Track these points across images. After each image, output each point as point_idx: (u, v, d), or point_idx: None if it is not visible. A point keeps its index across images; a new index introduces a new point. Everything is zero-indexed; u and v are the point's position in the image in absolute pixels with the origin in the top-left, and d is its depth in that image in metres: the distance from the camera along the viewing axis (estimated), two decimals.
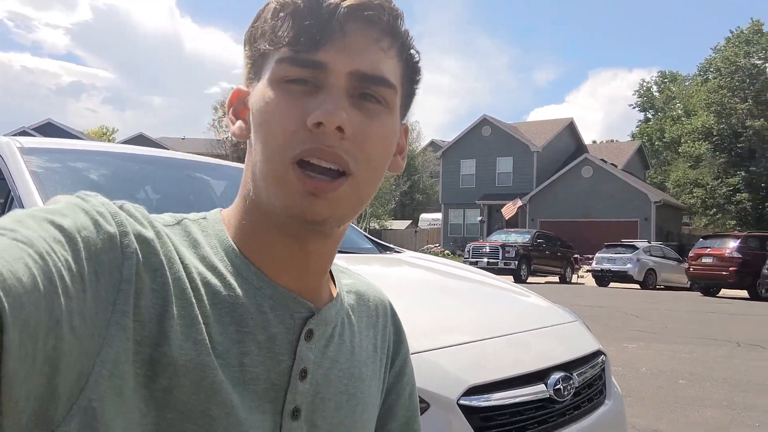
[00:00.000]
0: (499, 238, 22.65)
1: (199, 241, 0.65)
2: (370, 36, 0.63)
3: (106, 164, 2.59)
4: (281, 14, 0.62)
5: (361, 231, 3.36)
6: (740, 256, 16.48)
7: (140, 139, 43.96)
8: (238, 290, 0.63)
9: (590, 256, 23.50)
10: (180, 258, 0.60)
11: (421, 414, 1.60)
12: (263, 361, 0.62)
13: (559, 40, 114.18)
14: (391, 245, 3.30)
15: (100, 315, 0.51)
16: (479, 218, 36.04)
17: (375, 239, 3.26)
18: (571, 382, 1.91)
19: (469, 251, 21.84)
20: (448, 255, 27.87)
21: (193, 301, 0.59)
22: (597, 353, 2.23)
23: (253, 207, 0.66)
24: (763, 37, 35.17)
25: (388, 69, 0.64)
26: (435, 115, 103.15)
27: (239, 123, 0.69)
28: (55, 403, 0.47)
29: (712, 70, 38.39)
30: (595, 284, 21.19)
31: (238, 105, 0.69)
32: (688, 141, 37.79)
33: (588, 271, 23.26)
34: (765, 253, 15.91)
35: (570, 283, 22.23)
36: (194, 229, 0.66)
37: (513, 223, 32.10)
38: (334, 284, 0.75)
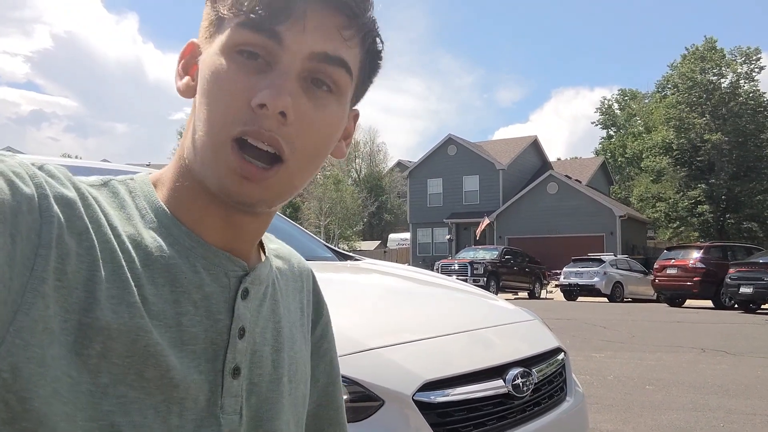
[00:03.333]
0: (467, 255, 22.74)
1: (127, 202, 0.63)
2: (333, 22, 0.61)
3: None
4: None
5: (321, 240, 3.32)
6: (703, 266, 16.79)
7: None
8: (170, 250, 0.62)
9: (558, 271, 23.71)
10: (107, 220, 0.58)
11: (376, 410, 1.58)
12: (200, 320, 0.61)
13: (522, 61, 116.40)
14: (351, 254, 3.26)
15: (15, 281, 0.49)
16: (447, 237, 36.20)
17: (335, 248, 3.23)
18: (530, 378, 1.89)
19: (438, 269, 21.86)
20: None
21: (123, 263, 0.57)
22: (557, 350, 2.21)
23: (188, 171, 0.64)
24: (716, 53, 36.29)
25: (348, 56, 0.62)
26: (401, 135, 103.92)
27: (187, 79, 0.67)
28: None
29: (669, 86, 39.42)
30: (564, 299, 21.38)
31: (189, 60, 0.67)
32: (650, 156, 38.60)
33: (556, 285, 23.45)
34: (727, 262, 16.24)
35: (539, 298, 22.38)
36: (122, 190, 0.64)
37: (481, 241, 32.31)
38: (262, 248, 0.74)
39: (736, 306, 15.60)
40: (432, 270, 25.09)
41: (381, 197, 49.12)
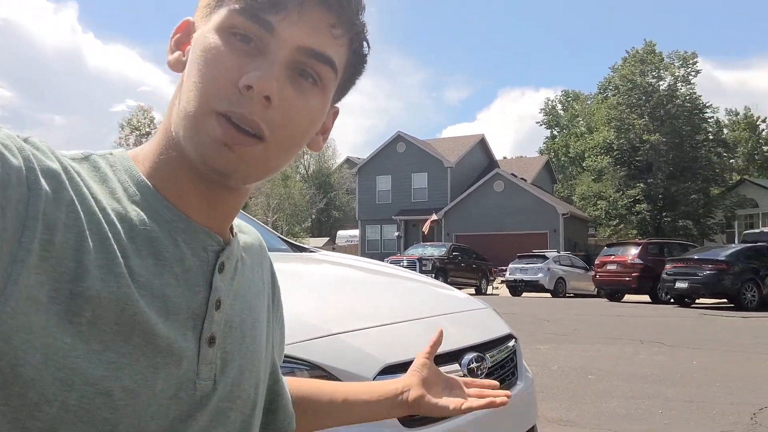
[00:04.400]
0: (416, 252, 22.96)
1: (109, 175, 0.65)
2: (326, 20, 0.64)
3: None
4: None
5: (276, 233, 3.32)
6: (641, 262, 17.39)
7: None
8: (153, 224, 0.64)
9: (504, 267, 24.16)
10: (91, 193, 0.60)
11: None
12: (183, 292, 0.64)
13: (470, 61, 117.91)
14: (305, 245, 3.28)
15: (4, 252, 0.51)
16: (396, 233, 36.38)
17: (289, 240, 3.24)
18: (484, 362, 1.96)
19: None
20: None
21: (109, 235, 0.59)
22: (509, 337, 2.29)
23: (172, 143, 0.66)
24: (656, 57, 37.54)
25: (335, 53, 0.65)
26: (350, 133, 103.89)
27: (177, 54, 0.69)
28: None
29: (611, 88, 40.55)
30: (510, 294, 21.80)
31: (182, 36, 0.69)
32: (591, 156, 39.65)
33: (502, 282, 23.89)
34: (664, 258, 16.84)
35: (485, 294, 22.75)
36: (102, 164, 0.65)
37: (429, 238, 32.63)
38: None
39: (672, 300, 16.17)
40: None
41: (330, 194, 49.00)
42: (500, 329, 2.29)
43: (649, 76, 37.22)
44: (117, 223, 0.61)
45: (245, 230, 0.82)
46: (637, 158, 36.47)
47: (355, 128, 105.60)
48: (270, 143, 0.63)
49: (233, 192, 0.69)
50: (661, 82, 37.55)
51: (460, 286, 22.35)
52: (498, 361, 2.11)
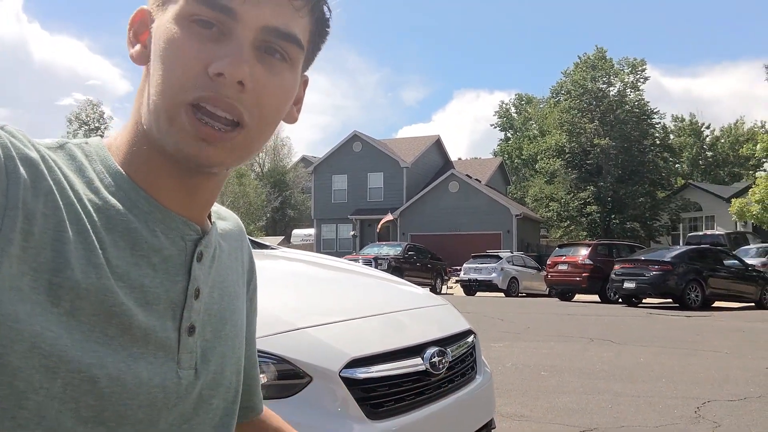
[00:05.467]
0: (371, 251, 22.99)
1: (85, 165, 0.64)
2: None
3: None
4: None
5: None
6: (591, 263, 17.79)
7: None
8: (130, 215, 0.64)
9: (458, 267, 24.40)
10: (68, 183, 0.60)
11: (304, 387, 1.64)
12: (161, 282, 0.64)
13: (426, 61, 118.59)
14: (266, 243, 3.29)
15: None
16: (352, 233, 36.37)
17: (251, 238, 3.23)
18: (446, 357, 2.01)
19: None
20: None
21: (88, 226, 0.59)
22: (468, 332, 2.35)
23: (144, 136, 0.65)
24: (606, 63, 38.47)
25: (299, 27, 0.65)
26: (305, 131, 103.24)
27: (139, 47, 0.68)
28: None
29: (563, 92, 41.34)
30: (464, 294, 22.02)
31: (140, 27, 0.68)
32: (544, 158, 40.34)
33: (457, 281, 24.12)
34: (612, 259, 17.27)
35: (440, 293, 22.94)
36: (78, 154, 0.65)
37: (385, 237, 32.71)
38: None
39: (620, 300, 16.55)
40: None
41: (285, 192, 48.60)
42: (460, 325, 2.35)
43: (599, 81, 38.11)
44: (94, 213, 0.60)
45: (224, 215, 0.81)
46: (588, 161, 37.28)
47: (311, 126, 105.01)
48: (249, 127, 0.63)
49: (212, 178, 0.69)
50: (611, 88, 38.50)
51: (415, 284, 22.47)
52: (458, 356, 2.17)
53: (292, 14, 0.64)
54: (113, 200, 0.63)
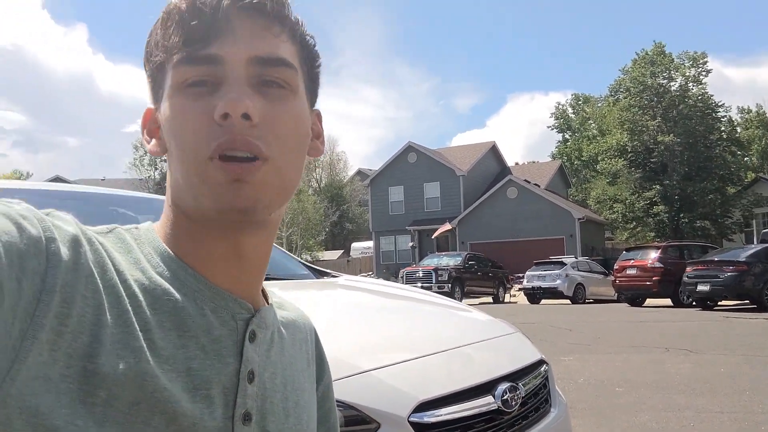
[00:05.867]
0: (431, 262, 22.85)
1: (133, 247, 0.63)
2: (258, 24, 0.63)
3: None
4: (168, 23, 0.62)
5: (297, 258, 3.30)
6: (662, 265, 17.19)
7: (57, 183, 42.25)
8: (177, 294, 0.61)
9: (521, 274, 24.01)
10: (114, 264, 0.58)
11: None
12: (211, 364, 0.60)
13: (477, 67, 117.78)
14: (327, 270, 3.25)
15: (15, 327, 0.48)
16: (410, 244, 36.32)
17: (311, 265, 3.21)
18: (518, 392, 1.91)
19: (402, 277, 21.92)
20: None
21: (129, 308, 0.56)
22: (540, 362, 2.24)
23: (180, 214, 0.65)
24: (665, 57, 37.33)
25: (285, 52, 0.65)
26: (360, 144, 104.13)
27: (154, 141, 0.68)
28: None
29: (621, 90, 40.29)
30: (528, 302, 21.64)
31: (150, 125, 0.69)
32: (605, 159, 39.38)
33: (520, 289, 23.74)
34: (684, 261, 16.65)
35: (503, 302, 22.62)
36: (127, 237, 0.64)
37: (444, 247, 32.52)
38: (265, 297, 0.74)
39: (694, 303, 15.99)
40: (396, 278, 25.05)
41: (342, 206, 49.04)
42: (531, 355, 2.24)
43: (659, 77, 36.98)
44: (140, 294, 0.58)
45: (287, 307, 0.79)
46: (652, 160, 36.20)
47: (365, 139, 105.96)
48: (272, 159, 0.61)
49: (258, 231, 0.65)
50: (672, 83, 37.30)
51: (477, 295, 22.26)
52: (531, 390, 2.06)
53: (273, 41, 0.64)
54: (160, 279, 0.61)
